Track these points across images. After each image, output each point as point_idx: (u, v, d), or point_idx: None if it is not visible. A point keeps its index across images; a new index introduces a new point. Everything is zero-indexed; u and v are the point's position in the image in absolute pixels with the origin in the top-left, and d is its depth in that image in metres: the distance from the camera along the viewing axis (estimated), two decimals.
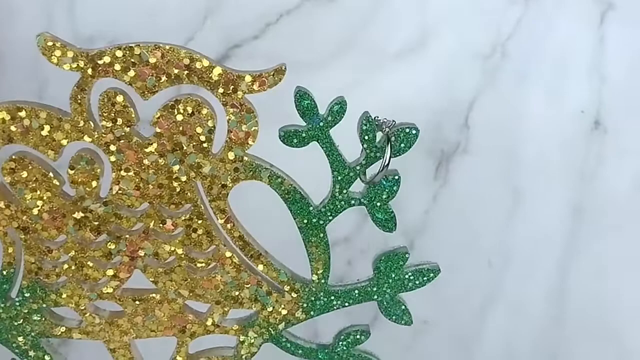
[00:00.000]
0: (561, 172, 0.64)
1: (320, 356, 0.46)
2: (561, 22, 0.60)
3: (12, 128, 0.40)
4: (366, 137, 0.41)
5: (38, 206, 0.41)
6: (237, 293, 0.44)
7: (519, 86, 0.61)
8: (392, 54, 0.60)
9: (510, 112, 0.62)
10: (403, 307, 0.45)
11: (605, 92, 0.61)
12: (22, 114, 0.39)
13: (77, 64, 0.38)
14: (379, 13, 0.59)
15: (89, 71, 0.39)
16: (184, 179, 0.41)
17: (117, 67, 0.39)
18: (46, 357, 0.45)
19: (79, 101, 0.39)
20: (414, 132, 0.41)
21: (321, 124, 0.40)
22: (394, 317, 0.45)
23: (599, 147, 0.63)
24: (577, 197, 0.64)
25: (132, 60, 0.39)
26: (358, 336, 0.46)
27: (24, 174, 0.41)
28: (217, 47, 0.58)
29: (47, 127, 0.40)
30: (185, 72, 0.39)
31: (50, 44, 0.38)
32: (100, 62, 0.38)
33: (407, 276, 0.44)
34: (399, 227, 0.54)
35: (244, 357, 0.46)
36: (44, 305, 0.44)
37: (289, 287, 0.44)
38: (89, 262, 0.42)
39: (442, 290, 0.66)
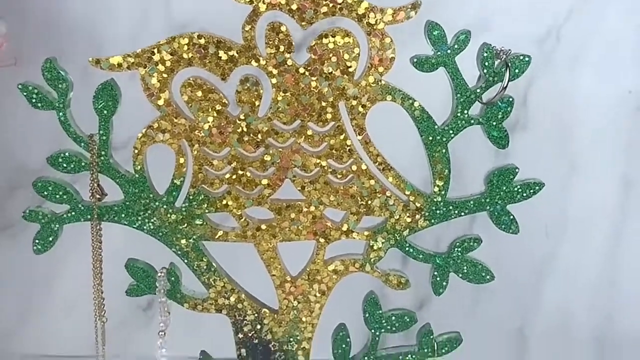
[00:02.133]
0: (611, 147, 0.70)
1: (437, 261, 0.52)
2: (612, 10, 0.67)
3: (190, 54, 0.47)
4: (486, 64, 0.48)
5: (208, 122, 0.48)
6: (369, 202, 0.51)
7: (573, 68, 0.68)
8: None
9: (565, 92, 0.69)
10: (511, 216, 0.52)
11: None
12: (202, 40, 0.47)
13: None
14: None
15: (260, 4, 0.46)
16: (331, 99, 0.48)
17: (282, 0, 0.46)
18: (204, 259, 0.52)
19: (249, 30, 0.47)
20: (527, 59, 0.48)
21: (449, 51, 0.48)
22: (503, 226, 0.52)
23: None
24: (626, 171, 0.71)
25: None
26: (471, 243, 0.52)
27: (199, 93, 0.48)
28: None
29: (221, 52, 0.47)
30: (339, 6, 0.47)
31: None
32: None
33: (516, 189, 0.51)
34: None
35: (372, 260, 0.52)
36: (207, 212, 0.50)
37: (413, 197, 0.51)
38: (247, 173, 0.50)
39: (502, 255, 0.72)
